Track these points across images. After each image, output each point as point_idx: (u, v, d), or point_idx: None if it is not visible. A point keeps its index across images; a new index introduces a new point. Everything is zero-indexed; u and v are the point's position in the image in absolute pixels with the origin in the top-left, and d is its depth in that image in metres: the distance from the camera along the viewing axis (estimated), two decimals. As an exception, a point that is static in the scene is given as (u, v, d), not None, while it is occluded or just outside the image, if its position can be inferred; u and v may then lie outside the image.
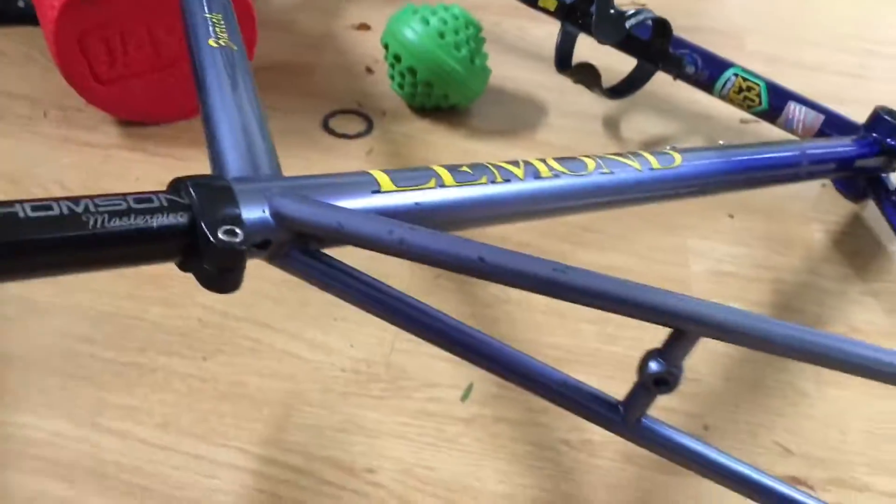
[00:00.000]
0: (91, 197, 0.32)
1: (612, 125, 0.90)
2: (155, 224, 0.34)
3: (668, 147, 0.62)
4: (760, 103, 0.82)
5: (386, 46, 0.84)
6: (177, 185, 0.36)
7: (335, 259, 0.40)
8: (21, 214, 0.30)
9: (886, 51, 1.12)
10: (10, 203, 0.30)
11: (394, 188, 0.42)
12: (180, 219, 0.35)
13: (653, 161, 0.56)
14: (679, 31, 0.82)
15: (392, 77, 0.85)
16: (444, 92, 0.82)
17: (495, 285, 0.67)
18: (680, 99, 0.93)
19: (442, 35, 0.80)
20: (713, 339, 0.37)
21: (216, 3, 0.55)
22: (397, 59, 0.82)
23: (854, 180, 0.80)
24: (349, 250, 0.39)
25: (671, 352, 0.38)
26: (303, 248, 0.39)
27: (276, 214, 0.37)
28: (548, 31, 0.89)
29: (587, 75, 0.81)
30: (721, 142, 0.88)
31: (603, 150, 0.56)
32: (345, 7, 1.05)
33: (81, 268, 0.33)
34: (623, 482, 0.56)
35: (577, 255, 0.72)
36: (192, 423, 0.55)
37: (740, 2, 1.23)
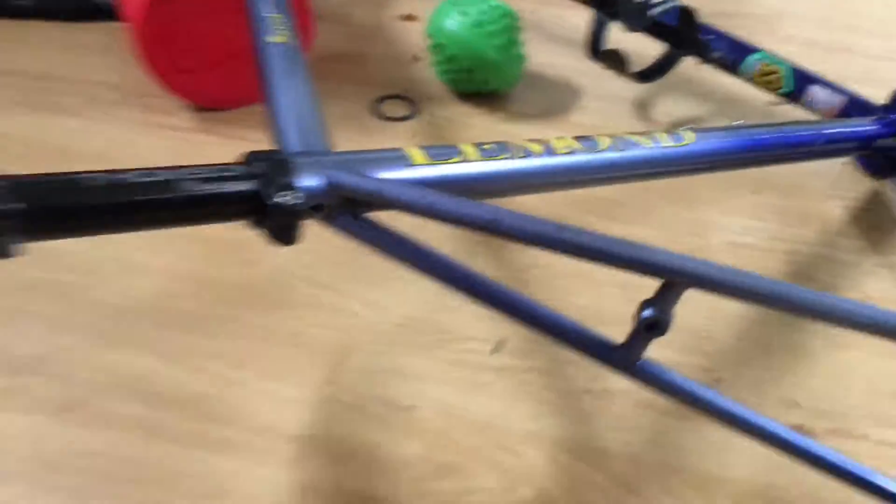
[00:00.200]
0: (184, 167, 0.41)
1: (642, 107, 0.96)
2: (231, 189, 0.42)
3: (685, 127, 0.68)
4: (784, 86, 0.87)
5: (430, 36, 0.91)
6: (247, 158, 0.44)
7: (377, 222, 0.48)
8: (131, 180, 0.39)
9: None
10: (124, 171, 0.39)
11: (426, 162, 0.49)
12: (251, 185, 0.43)
13: (665, 139, 0.62)
14: (718, 15, 0.87)
15: (436, 65, 0.93)
16: (483, 78, 0.90)
17: (526, 254, 0.74)
18: (708, 82, 0.98)
19: (480, 25, 0.87)
20: (696, 289, 0.44)
21: (276, 4, 0.63)
22: (440, 48, 0.89)
23: (874, 158, 0.85)
24: (397, 220, 0.47)
25: (662, 301, 0.45)
26: (350, 212, 0.47)
27: (327, 183, 0.45)
28: (583, 18, 0.95)
29: (616, 61, 0.87)
30: (740, 121, 0.93)
31: (632, 131, 0.62)
32: (393, -1, 1.13)
33: (175, 223, 0.41)
34: (638, 426, 0.63)
35: (601, 227, 0.78)
36: (262, 364, 0.64)
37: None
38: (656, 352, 0.45)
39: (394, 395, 0.63)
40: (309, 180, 0.45)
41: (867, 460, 0.48)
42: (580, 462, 0.60)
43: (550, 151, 0.55)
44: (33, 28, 0.98)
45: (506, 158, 0.52)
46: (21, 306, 0.66)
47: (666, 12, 0.83)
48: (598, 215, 0.80)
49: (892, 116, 0.79)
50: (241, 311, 0.68)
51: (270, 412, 0.61)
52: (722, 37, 0.88)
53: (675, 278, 0.44)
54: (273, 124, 0.51)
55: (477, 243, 0.75)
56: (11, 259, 0.36)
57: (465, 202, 0.45)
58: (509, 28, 0.89)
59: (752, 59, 0.87)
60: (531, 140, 0.55)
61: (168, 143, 0.85)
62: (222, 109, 0.89)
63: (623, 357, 0.47)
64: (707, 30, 0.87)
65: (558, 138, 0.56)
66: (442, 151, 0.50)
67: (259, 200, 0.43)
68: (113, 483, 0.56)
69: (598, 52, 0.89)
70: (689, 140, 0.64)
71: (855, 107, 0.85)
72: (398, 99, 0.93)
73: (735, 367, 0.69)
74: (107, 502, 0.55)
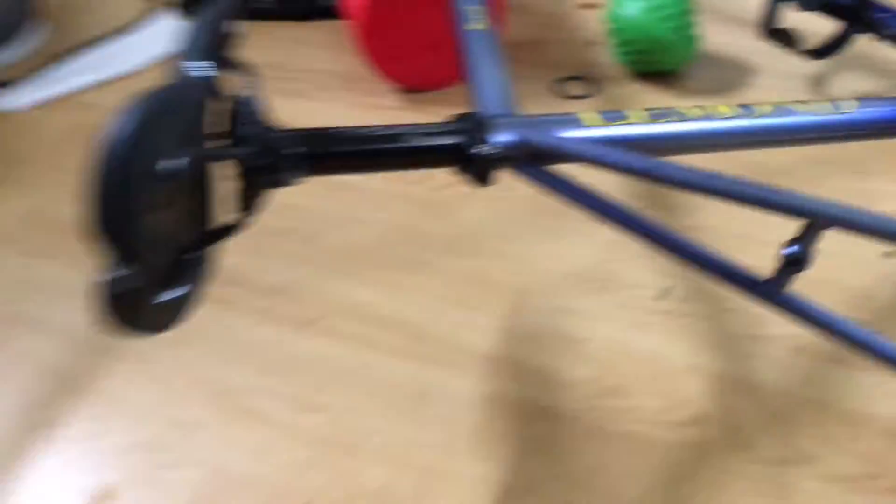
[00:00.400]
0: (409, 124, 0.54)
1: (816, 84, 1.00)
2: (443, 142, 0.55)
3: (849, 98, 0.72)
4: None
5: (608, 21, 1.00)
6: (455, 118, 0.56)
7: (559, 174, 0.59)
8: (376, 132, 0.52)
9: None
10: (370, 126, 0.52)
11: (598, 123, 0.59)
12: (457, 139, 0.55)
13: (827, 107, 0.68)
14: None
15: (613, 47, 1.01)
16: (658, 58, 0.97)
17: (691, 217, 0.81)
18: (883, 59, 0.99)
19: (655, 9, 0.94)
20: (833, 229, 0.51)
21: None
22: (617, 32, 0.98)
23: None
24: (574, 175, 0.57)
25: (804, 240, 0.52)
26: (534, 164, 0.58)
27: (516, 139, 0.56)
28: (758, -1, 1.00)
29: (789, 39, 0.92)
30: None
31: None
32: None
33: (402, 167, 0.55)
34: (792, 366, 0.69)
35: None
36: (458, 298, 0.77)
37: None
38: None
39: (568, 329, 0.73)
40: (502, 136, 0.56)
41: None
42: (734, 393, 0.68)
43: (712, 116, 0.63)
44: (273, 28, 1.17)
45: (670, 121, 0.61)
46: (270, 246, 0.83)
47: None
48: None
49: None
50: (442, 257, 0.81)
51: (465, 335, 0.74)
52: (897, 14, 0.90)
53: (814, 219, 0.51)
54: (473, 93, 0.63)
55: (644, 207, 0.83)
56: (263, 211, 0.50)
57: (631, 155, 0.54)
58: (684, 10, 0.96)
59: (929, 35, 0.88)
60: (695, 105, 0.63)
61: (381, 120, 0.98)
62: (424, 91, 1.03)
63: (769, 289, 0.55)
64: (881, 8, 0.90)
65: (720, 104, 0.64)
66: (613, 115, 0.60)
67: (463, 151, 0.55)
68: (338, 381, 0.71)
69: (772, 30, 0.94)
70: (851, 108, 0.69)
71: None
72: (578, 80, 1.02)
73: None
74: (333, 395, 0.70)
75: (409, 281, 0.79)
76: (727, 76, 1.02)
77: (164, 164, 0.40)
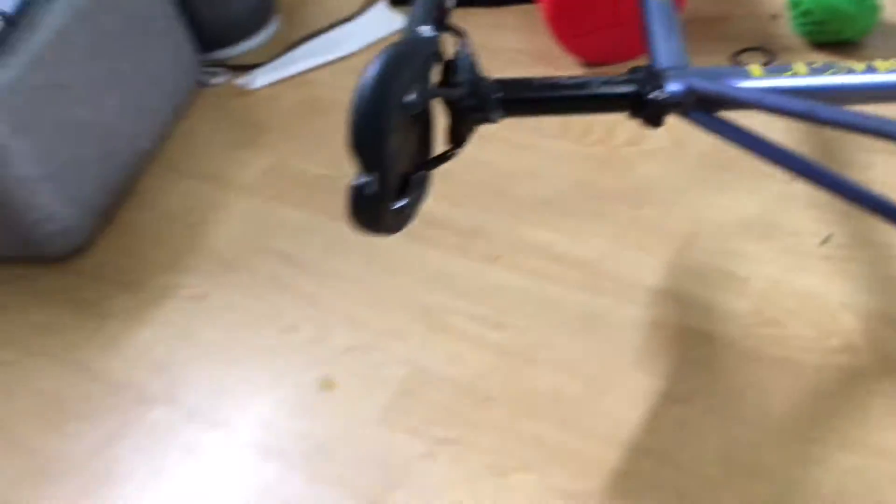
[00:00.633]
0: (593, 76, 0.64)
1: None
2: (621, 90, 0.65)
3: None
4: None
5: (788, -7, 1.05)
6: (632, 70, 0.66)
7: (726, 119, 0.67)
8: (563, 81, 0.63)
9: None
10: (558, 77, 0.64)
11: (763, 75, 0.66)
12: (633, 87, 0.65)
13: None
14: None
15: (792, 19, 1.06)
16: (837, 28, 1.01)
17: (864, 172, 0.85)
18: None
19: (834, -20, 0.98)
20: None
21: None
22: (796, 4, 1.02)
23: None
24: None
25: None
26: (704, 109, 0.67)
27: (686, 86, 0.65)
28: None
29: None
30: None
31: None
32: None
33: (585, 111, 0.65)
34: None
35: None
36: (630, 241, 0.87)
37: None
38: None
39: (731, 268, 0.81)
40: (673, 85, 0.65)
41: None
42: (886, 327, 0.72)
43: (873, 69, 0.68)
44: (473, 14, 1.31)
45: (832, 74, 0.67)
46: (464, 195, 0.97)
47: None
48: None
49: None
50: (616, 206, 0.91)
51: (635, 272, 0.83)
52: None
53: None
54: (650, 50, 0.72)
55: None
56: (467, 146, 0.61)
57: (788, 98, 0.62)
58: (864, -20, 0.99)
59: None
60: (857, 61, 0.69)
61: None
62: (604, 64, 1.12)
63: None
64: None
65: (883, 60, 0.69)
66: (777, 68, 0.67)
67: (638, 97, 0.64)
68: (519, 306, 0.83)
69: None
70: None
71: None
72: (757, 51, 1.08)
73: None
74: (515, 317, 0.82)
75: (586, 226, 0.90)
76: (910, 46, 1.03)
77: (407, 98, 0.54)
